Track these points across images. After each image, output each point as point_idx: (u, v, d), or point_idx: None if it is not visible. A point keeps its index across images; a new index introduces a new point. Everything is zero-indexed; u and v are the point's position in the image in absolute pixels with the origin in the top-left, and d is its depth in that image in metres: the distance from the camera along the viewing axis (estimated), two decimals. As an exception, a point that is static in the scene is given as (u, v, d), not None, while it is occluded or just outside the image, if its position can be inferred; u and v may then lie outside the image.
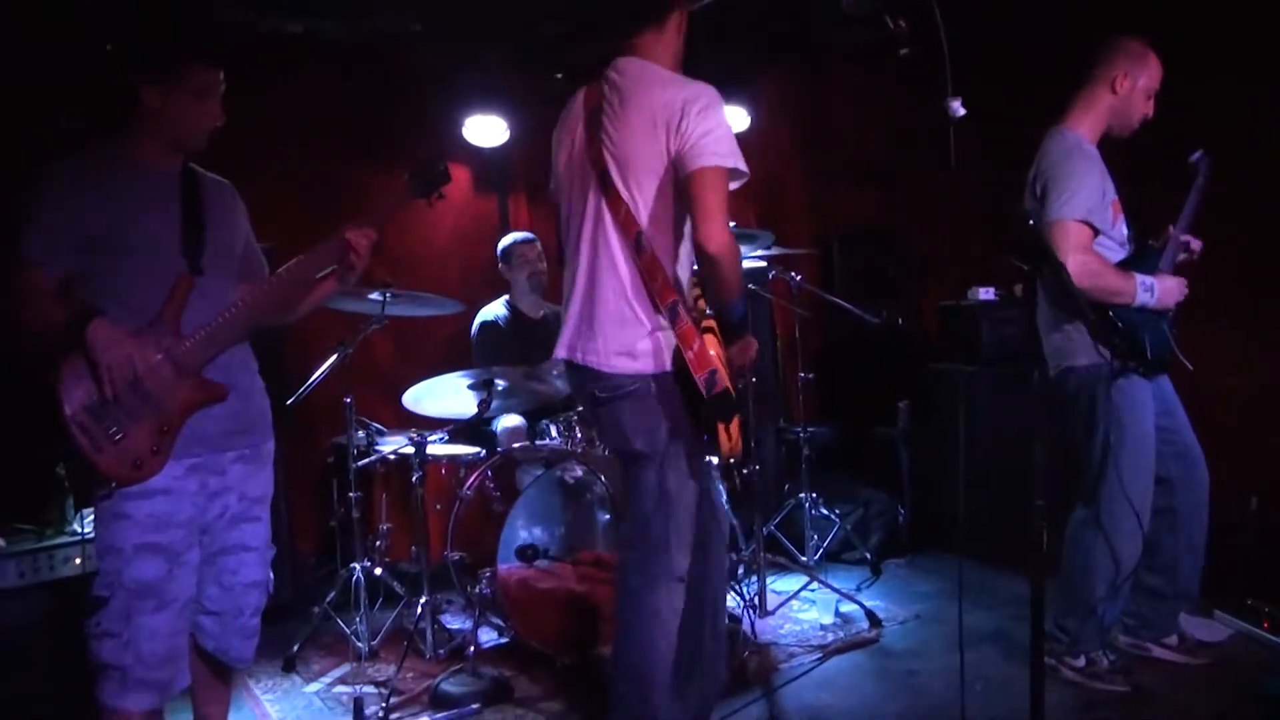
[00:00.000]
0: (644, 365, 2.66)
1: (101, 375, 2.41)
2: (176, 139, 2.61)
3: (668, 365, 2.67)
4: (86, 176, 2.53)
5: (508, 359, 4.60)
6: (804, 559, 4.91)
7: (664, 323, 2.65)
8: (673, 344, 2.65)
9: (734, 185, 2.68)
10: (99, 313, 2.44)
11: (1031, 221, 3.23)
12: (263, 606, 2.83)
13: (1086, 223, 3.26)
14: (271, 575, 2.86)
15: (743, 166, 2.64)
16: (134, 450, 2.46)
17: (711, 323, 2.71)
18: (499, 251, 5.00)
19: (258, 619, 2.81)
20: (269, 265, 2.84)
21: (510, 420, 4.60)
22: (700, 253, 2.60)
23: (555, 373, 4.05)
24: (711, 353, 2.61)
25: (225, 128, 2.64)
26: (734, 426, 2.63)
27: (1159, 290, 3.34)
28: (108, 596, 2.47)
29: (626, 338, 2.67)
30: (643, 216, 2.65)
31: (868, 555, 4.98)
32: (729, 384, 2.61)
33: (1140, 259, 3.42)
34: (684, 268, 2.74)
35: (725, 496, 2.99)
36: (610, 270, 2.69)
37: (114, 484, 2.46)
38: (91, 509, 2.59)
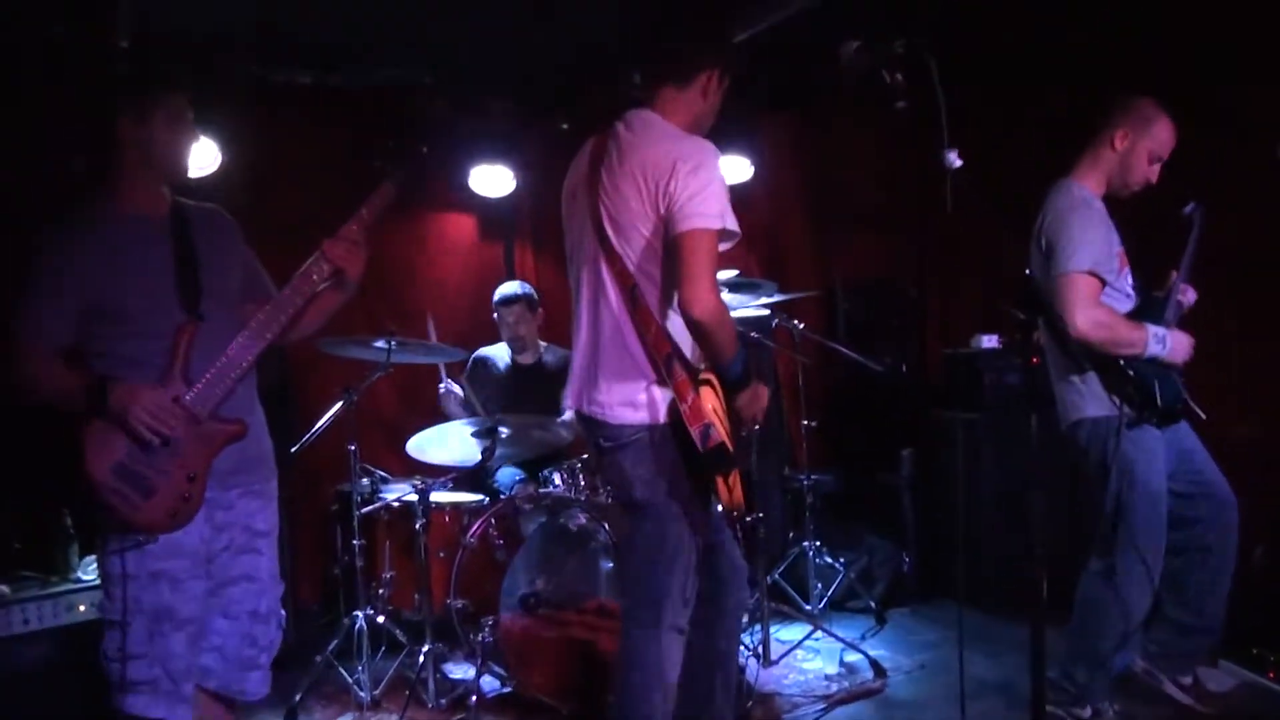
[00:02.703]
0: (644, 416, 2.66)
1: (143, 430, 2.48)
2: (161, 169, 2.66)
3: (662, 417, 2.65)
4: (77, 242, 2.59)
5: (503, 402, 4.61)
6: (808, 607, 4.89)
7: (660, 375, 2.63)
8: (669, 396, 2.62)
9: (725, 245, 2.65)
10: (110, 379, 2.50)
11: (1035, 275, 3.28)
12: (276, 645, 2.86)
13: (1094, 274, 3.26)
14: (283, 612, 2.90)
15: (733, 226, 2.60)
16: (168, 502, 2.54)
17: (710, 375, 2.66)
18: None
19: (266, 656, 2.83)
20: None
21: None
22: (686, 316, 2.54)
23: (559, 420, 4.05)
24: (708, 406, 2.56)
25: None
26: (734, 480, 2.59)
27: (1170, 342, 3.32)
28: (128, 622, 2.54)
29: (628, 389, 2.67)
30: (635, 270, 2.65)
31: (872, 604, 4.96)
32: (725, 438, 2.56)
33: (1146, 309, 3.42)
34: (679, 320, 2.67)
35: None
36: (610, 321, 2.70)
37: (152, 536, 2.53)
38: (95, 557, 2.63)
